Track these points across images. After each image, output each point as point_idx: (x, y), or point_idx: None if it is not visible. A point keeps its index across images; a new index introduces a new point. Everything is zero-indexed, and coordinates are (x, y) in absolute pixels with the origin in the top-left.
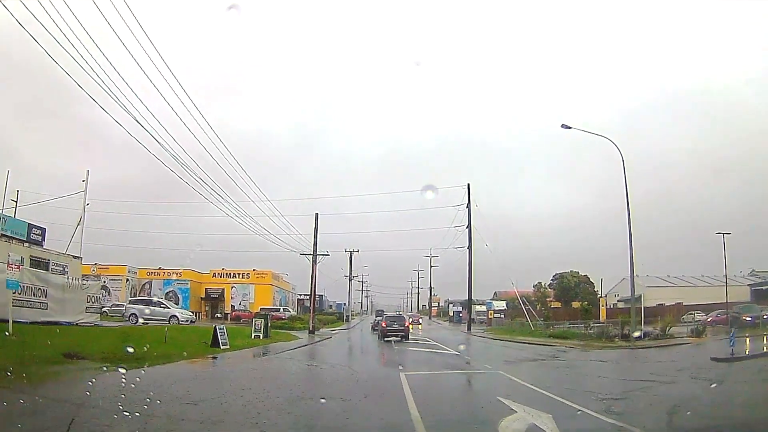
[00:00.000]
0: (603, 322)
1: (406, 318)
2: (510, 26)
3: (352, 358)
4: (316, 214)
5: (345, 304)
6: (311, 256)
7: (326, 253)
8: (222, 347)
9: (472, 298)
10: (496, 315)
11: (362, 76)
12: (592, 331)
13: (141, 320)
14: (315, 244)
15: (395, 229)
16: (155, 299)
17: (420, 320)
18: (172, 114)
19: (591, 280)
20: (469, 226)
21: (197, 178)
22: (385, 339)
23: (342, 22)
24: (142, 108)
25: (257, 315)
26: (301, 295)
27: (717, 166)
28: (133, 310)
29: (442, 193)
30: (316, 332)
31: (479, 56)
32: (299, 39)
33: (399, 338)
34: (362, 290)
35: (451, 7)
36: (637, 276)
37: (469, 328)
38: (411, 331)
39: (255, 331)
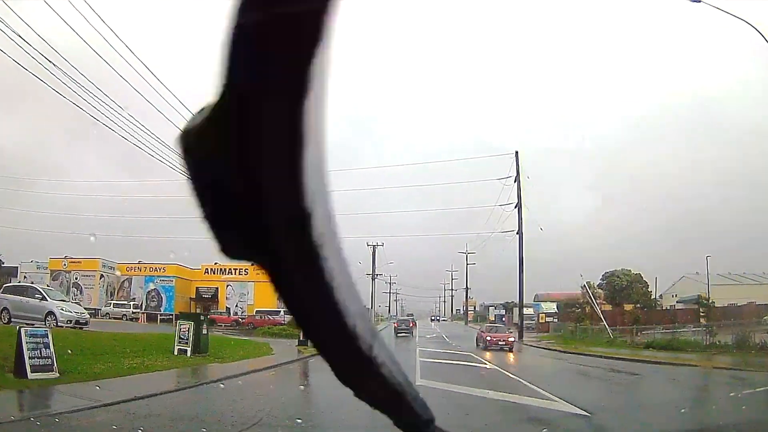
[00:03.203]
0: (707, 325)
1: (413, 320)
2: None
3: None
4: None
5: (370, 307)
6: None
7: None
8: (32, 376)
9: (510, 300)
10: (548, 319)
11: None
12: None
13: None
14: None
15: (429, 211)
16: (33, 287)
17: (511, 340)
18: None
19: (644, 278)
20: (519, 205)
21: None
22: (398, 335)
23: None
24: None
25: (184, 315)
26: None
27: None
28: (5, 303)
29: (483, 167)
30: (309, 343)
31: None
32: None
33: (407, 334)
34: (390, 292)
35: None
36: (697, 273)
37: (520, 336)
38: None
39: (179, 343)
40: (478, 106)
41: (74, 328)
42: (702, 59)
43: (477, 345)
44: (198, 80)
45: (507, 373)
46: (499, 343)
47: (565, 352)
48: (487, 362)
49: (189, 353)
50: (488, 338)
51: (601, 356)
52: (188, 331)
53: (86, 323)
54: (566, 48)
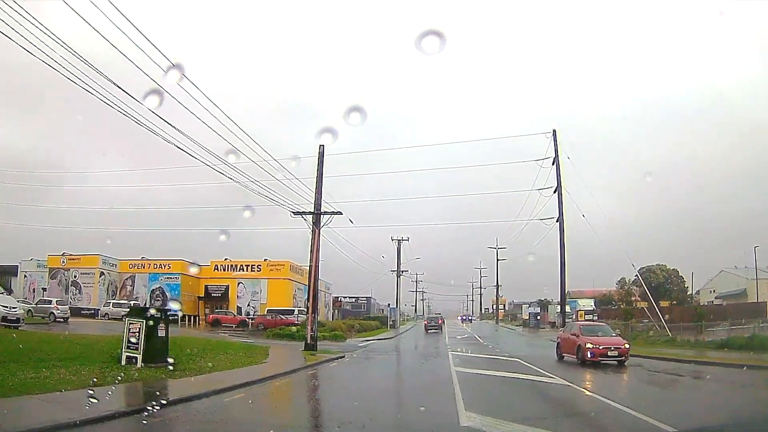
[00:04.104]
0: None
1: (441, 318)
2: None
3: None
4: (321, 147)
5: (395, 306)
6: (312, 216)
7: (338, 212)
8: None
9: (546, 298)
10: (587, 316)
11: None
12: None
13: None
14: (318, 193)
15: (457, 197)
16: None
17: (626, 348)
18: None
19: (680, 274)
20: (558, 189)
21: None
22: (428, 331)
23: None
24: None
25: (134, 311)
26: (346, 297)
27: None
28: None
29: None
30: (318, 347)
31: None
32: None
33: (437, 330)
34: (416, 290)
35: None
36: (735, 267)
37: None
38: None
39: (128, 349)
40: (512, 90)
41: (5, 326)
42: (752, 48)
43: (559, 358)
44: (198, 69)
45: (599, 397)
46: (609, 354)
47: (633, 355)
48: (546, 372)
49: (138, 362)
50: (589, 346)
51: (687, 361)
52: (140, 331)
53: (17, 320)
54: (609, 28)
